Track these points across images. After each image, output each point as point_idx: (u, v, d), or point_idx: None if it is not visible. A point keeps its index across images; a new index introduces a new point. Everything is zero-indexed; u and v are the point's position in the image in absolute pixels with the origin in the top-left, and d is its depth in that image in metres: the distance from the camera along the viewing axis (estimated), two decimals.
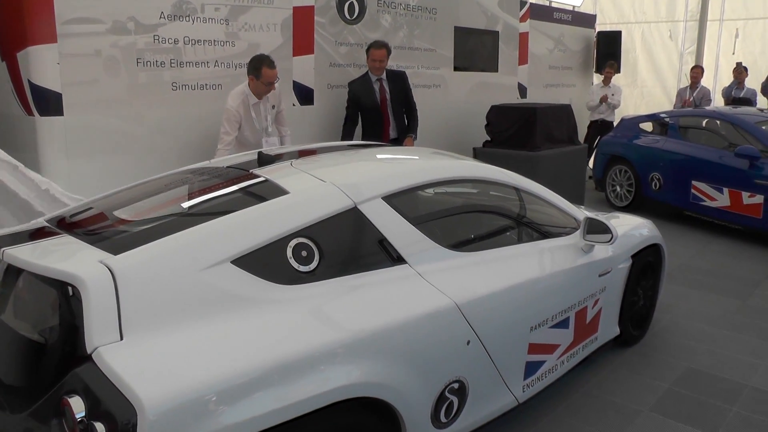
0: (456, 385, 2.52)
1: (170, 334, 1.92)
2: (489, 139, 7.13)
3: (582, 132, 9.15)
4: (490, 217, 3.31)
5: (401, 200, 2.66)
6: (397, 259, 2.51)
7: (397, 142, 6.05)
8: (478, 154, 6.91)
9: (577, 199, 6.95)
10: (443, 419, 2.52)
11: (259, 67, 4.80)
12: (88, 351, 1.83)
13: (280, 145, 5.23)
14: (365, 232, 2.49)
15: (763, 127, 6.92)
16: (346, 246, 2.46)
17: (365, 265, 2.43)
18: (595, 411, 3.38)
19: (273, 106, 5.16)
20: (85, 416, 1.76)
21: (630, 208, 7.79)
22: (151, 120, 4.88)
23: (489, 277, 2.72)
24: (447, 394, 2.49)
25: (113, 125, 4.66)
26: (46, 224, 2.62)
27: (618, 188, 8.23)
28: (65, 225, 2.58)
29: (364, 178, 2.69)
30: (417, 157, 3.27)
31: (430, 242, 2.62)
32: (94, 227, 2.57)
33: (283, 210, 2.39)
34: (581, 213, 3.53)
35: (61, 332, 2.03)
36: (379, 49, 5.84)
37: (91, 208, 2.79)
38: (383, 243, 2.50)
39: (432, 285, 2.49)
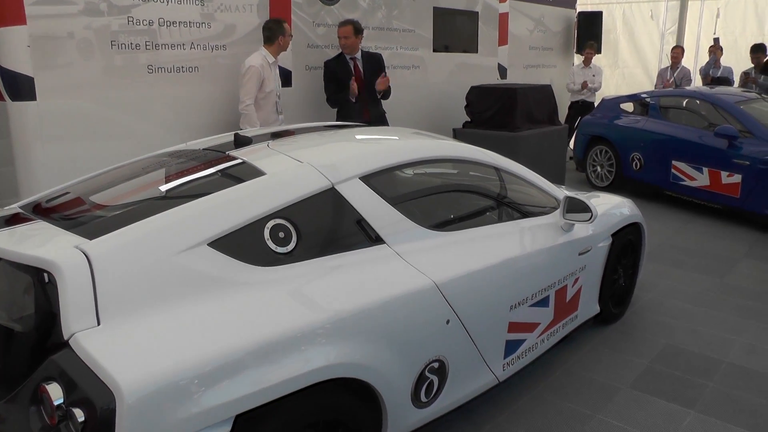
0: (436, 365, 2.52)
1: (148, 318, 1.90)
2: (469, 120, 7.11)
3: (563, 112, 9.17)
4: (470, 196, 3.30)
5: (379, 180, 2.64)
6: (376, 240, 2.49)
7: (373, 123, 6.02)
8: (458, 135, 6.89)
9: (557, 179, 6.97)
10: (423, 399, 2.52)
11: (281, 24, 5.31)
12: (65, 337, 1.81)
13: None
14: (343, 212, 2.47)
15: (743, 107, 6.97)
16: (324, 227, 2.45)
17: (343, 245, 2.41)
18: (575, 388, 3.40)
19: None
20: (63, 402, 1.74)
21: (611, 188, 7.82)
22: (127, 104, 4.80)
23: (468, 256, 2.72)
24: (427, 373, 2.49)
25: (88, 110, 4.57)
26: (20, 210, 2.57)
27: (599, 168, 8.26)
28: (40, 210, 2.54)
29: (342, 158, 2.67)
30: (396, 137, 3.25)
31: (408, 222, 2.61)
32: (69, 212, 2.52)
33: (259, 191, 2.36)
34: (561, 192, 3.54)
35: (37, 319, 2.01)
36: (344, 26, 5.84)
37: (66, 193, 2.75)
38: (361, 223, 2.48)
39: (411, 265, 2.48)
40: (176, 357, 1.81)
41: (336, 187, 2.48)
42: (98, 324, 1.84)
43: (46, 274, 1.93)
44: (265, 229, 2.25)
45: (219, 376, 1.85)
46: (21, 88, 4.20)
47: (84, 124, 4.55)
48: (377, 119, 6.05)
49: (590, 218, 3.25)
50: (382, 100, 6.11)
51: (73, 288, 1.84)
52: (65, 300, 1.83)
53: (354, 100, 5.85)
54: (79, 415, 1.70)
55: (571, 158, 8.84)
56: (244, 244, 2.18)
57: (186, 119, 5.07)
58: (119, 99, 4.75)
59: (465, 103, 7.14)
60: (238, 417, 1.90)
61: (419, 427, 2.57)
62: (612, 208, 4.00)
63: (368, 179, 2.59)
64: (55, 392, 1.75)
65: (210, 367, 1.83)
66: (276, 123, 5.42)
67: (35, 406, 1.82)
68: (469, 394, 2.79)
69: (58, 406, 1.73)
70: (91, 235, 2.05)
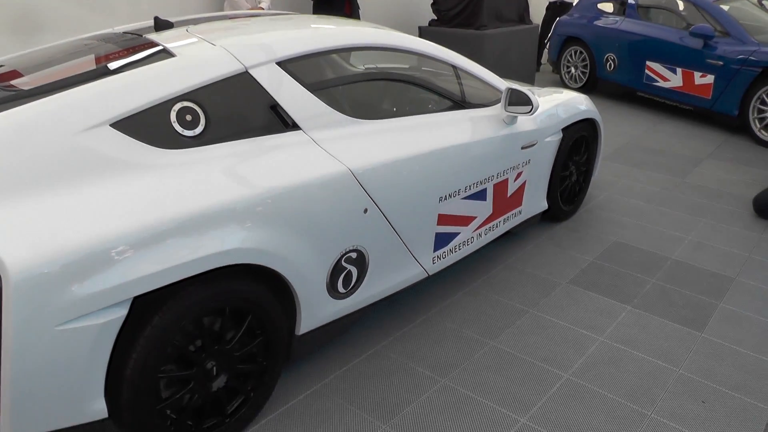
0: (354, 255, 2.49)
1: (43, 198, 1.83)
2: (435, 18, 6.86)
3: (540, 14, 8.86)
4: (402, 86, 3.17)
5: (299, 66, 2.51)
6: (292, 126, 2.39)
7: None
8: (423, 33, 6.65)
9: (526, 80, 6.82)
10: (341, 289, 2.50)
11: None
12: None
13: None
14: (257, 97, 2.36)
15: (723, 7, 6.73)
16: (235, 111, 2.34)
17: (256, 130, 2.31)
18: (513, 284, 3.41)
19: None
20: None
21: (584, 90, 7.67)
22: None
23: (392, 145, 2.63)
24: (344, 263, 2.45)
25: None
26: None
27: (572, 69, 8.06)
28: None
29: (258, 42, 2.53)
30: (326, 25, 3.08)
31: (327, 108, 2.50)
32: (5, 82, 2.41)
33: (166, 73, 2.24)
34: (504, 85, 3.41)
35: None
36: None
37: None
38: (276, 109, 2.38)
39: (326, 151, 2.39)
40: (70, 237, 1.76)
41: (250, 71, 2.36)
42: None
43: None
44: (172, 111, 2.15)
45: (115, 257, 1.80)
46: None
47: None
48: (354, 14, 5.92)
49: (530, 110, 3.14)
50: None
51: None
52: None
53: None
54: None
55: (548, 61, 8.62)
56: (148, 127, 2.09)
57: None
58: None
59: (431, 0, 6.86)
60: (135, 300, 1.87)
61: (341, 317, 2.56)
62: (564, 102, 3.89)
63: (286, 64, 2.47)
64: None
65: (105, 247, 1.79)
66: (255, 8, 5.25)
67: None
68: (395, 286, 2.77)
69: None
70: None
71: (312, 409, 2.43)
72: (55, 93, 2.05)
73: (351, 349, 2.78)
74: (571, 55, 8.03)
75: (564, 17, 8.32)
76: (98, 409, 1.91)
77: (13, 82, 2.46)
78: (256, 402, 2.32)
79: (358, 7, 6.22)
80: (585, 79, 7.87)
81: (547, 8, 9.13)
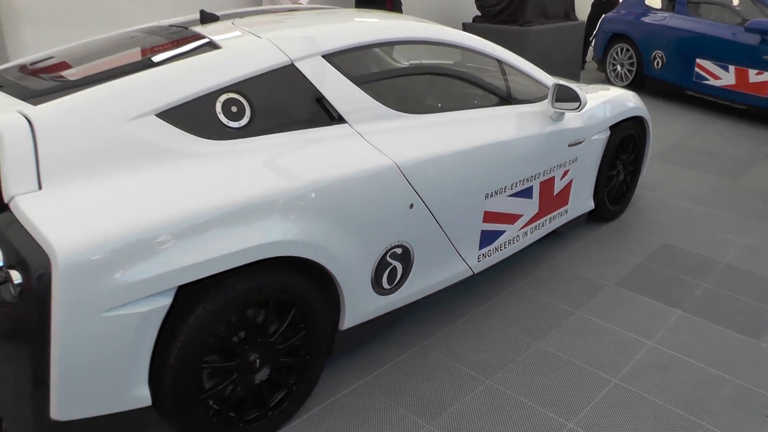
0: (399, 250, 2.44)
1: (90, 185, 1.85)
2: (479, 14, 6.77)
3: (585, 10, 8.70)
4: (447, 81, 3.11)
5: (344, 59, 2.48)
6: (337, 119, 2.36)
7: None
8: (467, 29, 6.56)
9: (571, 77, 6.68)
10: (386, 285, 2.46)
11: None
12: (6, 200, 1.78)
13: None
14: (302, 90, 2.33)
15: None
16: (280, 103, 2.32)
17: (301, 123, 2.29)
18: (559, 284, 3.33)
19: None
20: (3, 265, 1.72)
21: (630, 88, 7.47)
22: None
23: (438, 140, 2.58)
24: (389, 259, 2.41)
25: None
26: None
27: (618, 67, 7.88)
28: (32, 68, 2.48)
29: (304, 34, 2.50)
30: (371, 18, 3.05)
31: (374, 102, 2.46)
32: (23, 83, 2.43)
33: (212, 64, 2.23)
34: (552, 80, 3.33)
35: None
36: None
37: (23, 66, 2.65)
38: (321, 101, 2.35)
39: (372, 145, 2.36)
40: (116, 223, 1.76)
41: (295, 64, 2.34)
42: (39, 188, 1.79)
43: None
44: (217, 102, 2.15)
45: (160, 245, 1.80)
46: None
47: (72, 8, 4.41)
48: (397, 10, 5.91)
49: (578, 107, 3.06)
50: None
51: (13, 151, 1.79)
52: (5, 162, 1.78)
53: None
54: (16, 277, 1.68)
55: (593, 59, 8.45)
56: (194, 117, 2.09)
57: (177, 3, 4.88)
58: None
59: None
60: (180, 289, 1.86)
61: (385, 313, 2.52)
62: (612, 99, 3.78)
63: (331, 57, 2.44)
64: None
65: (151, 235, 1.79)
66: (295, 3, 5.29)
67: None
68: (439, 284, 2.72)
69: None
70: (38, 103, 1.97)
71: (354, 405, 2.40)
72: (102, 83, 2.06)
73: (394, 346, 2.74)
74: (617, 53, 7.85)
75: (610, 14, 8.15)
76: (142, 396, 1.91)
77: (62, 73, 2.50)
78: (298, 396, 2.29)
79: (401, 4, 6.17)
80: (631, 78, 7.69)
81: (593, 5, 8.96)
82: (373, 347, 2.72)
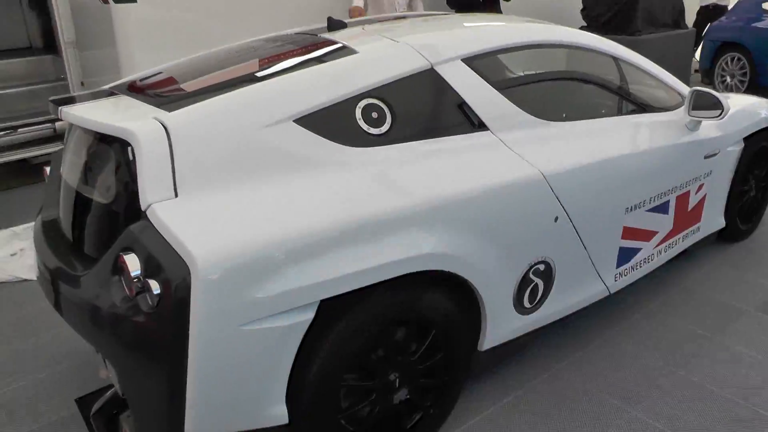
0: (542, 267, 2.29)
1: (227, 192, 1.77)
2: (585, 24, 6.54)
3: (691, 17, 8.30)
4: (585, 86, 2.93)
5: (484, 63, 2.36)
6: (479, 126, 2.24)
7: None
8: None
9: None
10: (527, 304, 2.30)
11: None
12: (142, 208, 1.72)
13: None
14: (443, 95, 2.22)
15: None
16: (421, 109, 2.21)
17: (442, 130, 2.17)
18: (694, 308, 3.08)
19: None
20: (140, 274, 1.65)
21: None
22: (225, 13, 4.65)
23: (581, 149, 2.41)
24: (531, 275, 2.26)
25: (187, 18, 4.47)
26: (106, 88, 2.50)
27: (728, 79, 7.46)
28: (128, 88, 2.45)
29: (443, 39, 2.39)
30: (505, 22, 2.92)
31: (515, 108, 2.33)
32: (156, 90, 2.42)
33: (351, 69, 2.15)
34: (687, 88, 3.10)
35: (117, 190, 1.93)
36: None
37: (156, 74, 2.65)
38: (463, 107, 2.23)
39: (516, 154, 2.22)
40: (256, 233, 1.68)
41: (435, 68, 2.23)
42: (176, 196, 1.73)
43: (125, 145, 1.83)
44: (357, 108, 2.05)
45: (302, 256, 1.70)
46: None
47: (182, 32, 4.47)
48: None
49: (720, 114, 2.83)
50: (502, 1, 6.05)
51: (149, 158, 1.74)
52: (142, 170, 1.73)
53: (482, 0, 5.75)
54: (155, 287, 1.61)
55: (696, 71, 8.05)
56: (333, 123, 1.99)
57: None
58: (217, 8, 4.62)
59: (581, 7, 6.55)
60: (321, 303, 1.76)
61: (519, 336, 2.37)
62: (746, 107, 3.50)
63: (471, 61, 2.32)
64: (133, 263, 1.66)
65: (293, 246, 1.69)
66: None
67: (117, 276, 1.75)
68: (577, 304, 2.54)
69: (137, 277, 1.65)
70: (173, 109, 1.92)
71: (491, 430, 2.25)
72: (236, 89, 1.99)
73: (529, 369, 2.58)
74: (726, 63, 7.43)
75: (718, 21, 7.73)
76: (279, 414, 1.82)
77: (191, 82, 2.45)
78: (434, 420, 2.16)
79: (501, 12, 6.05)
80: (743, 89, 7.25)
81: (698, 13, 8.53)
82: (504, 370, 2.57)
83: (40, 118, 5.19)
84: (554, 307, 2.43)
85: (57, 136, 5.27)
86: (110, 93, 2.45)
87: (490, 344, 2.23)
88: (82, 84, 5.24)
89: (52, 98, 2.34)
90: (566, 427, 2.28)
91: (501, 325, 2.23)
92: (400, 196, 1.91)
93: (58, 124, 5.36)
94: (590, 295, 2.59)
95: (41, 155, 5.17)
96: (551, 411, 2.35)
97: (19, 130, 5.20)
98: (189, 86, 2.34)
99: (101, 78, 4.35)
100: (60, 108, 2.17)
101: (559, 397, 2.42)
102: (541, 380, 2.52)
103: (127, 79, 2.71)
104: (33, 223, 4.27)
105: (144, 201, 1.72)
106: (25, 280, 3.57)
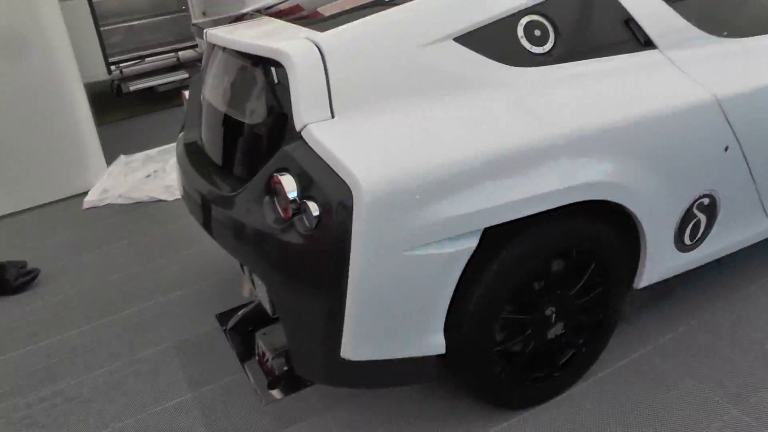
0: (706, 201, 2.10)
1: (386, 114, 1.69)
2: None
3: None
4: None
5: None
6: (646, 44, 2.04)
7: None
8: None
9: None
10: (687, 241, 2.13)
11: None
12: (297, 128, 1.67)
13: None
14: (608, 10, 2.03)
15: None
16: (586, 26, 2.03)
17: (608, 48, 1.99)
18: None
19: None
20: (297, 196, 1.62)
21: None
22: None
23: (756, 70, 2.16)
24: (695, 210, 2.08)
25: None
26: (249, 11, 2.46)
27: None
28: (272, 13, 2.41)
29: None
30: None
31: (686, 23, 2.10)
32: (303, 12, 2.35)
33: None
34: None
35: (267, 110, 1.89)
36: None
37: (284, 1, 2.58)
38: (629, 23, 2.03)
39: (686, 74, 2.01)
40: (418, 157, 1.60)
41: None
42: (332, 116, 1.67)
43: (276, 66, 1.79)
44: (519, 26, 1.91)
45: (467, 182, 1.62)
46: None
47: None
48: None
49: None
50: None
51: (303, 78, 1.68)
52: (296, 90, 1.68)
53: None
54: (314, 209, 1.57)
55: None
56: (495, 42, 1.86)
57: None
58: None
59: None
60: (485, 232, 1.68)
61: (678, 273, 2.20)
62: None
63: None
64: (289, 184, 1.63)
65: (458, 170, 1.61)
66: None
67: (269, 196, 1.73)
68: (738, 243, 2.33)
69: (293, 199, 1.62)
70: (324, 29, 1.85)
71: (642, 372, 2.14)
72: (390, 7, 1.88)
73: (677, 312, 2.43)
74: None
75: None
76: (437, 343, 1.77)
77: (324, 6, 2.36)
78: (587, 357, 2.08)
79: None
80: None
81: None
82: (654, 312, 2.43)
83: (166, 47, 5.32)
84: (715, 246, 2.24)
85: (180, 65, 5.39)
86: (251, 16, 2.40)
87: (647, 282, 2.09)
88: (204, 14, 5.29)
89: (194, 21, 2.33)
90: (729, 372, 2.12)
91: (659, 261, 2.08)
92: (564, 119, 1.78)
93: (181, 53, 5.48)
94: (754, 234, 2.36)
95: (167, 83, 5.33)
96: (708, 355, 2.20)
97: (146, 59, 5.35)
98: (325, 10, 2.24)
99: (223, 8, 4.35)
100: (206, 30, 2.14)
101: (717, 343, 2.26)
102: (692, 325, 2.36)
103: (258, 5, 2.65)
104: (165, 147, 4.46)
105: (299, 122, 1.67)
106: (161, 200, 3.71)
